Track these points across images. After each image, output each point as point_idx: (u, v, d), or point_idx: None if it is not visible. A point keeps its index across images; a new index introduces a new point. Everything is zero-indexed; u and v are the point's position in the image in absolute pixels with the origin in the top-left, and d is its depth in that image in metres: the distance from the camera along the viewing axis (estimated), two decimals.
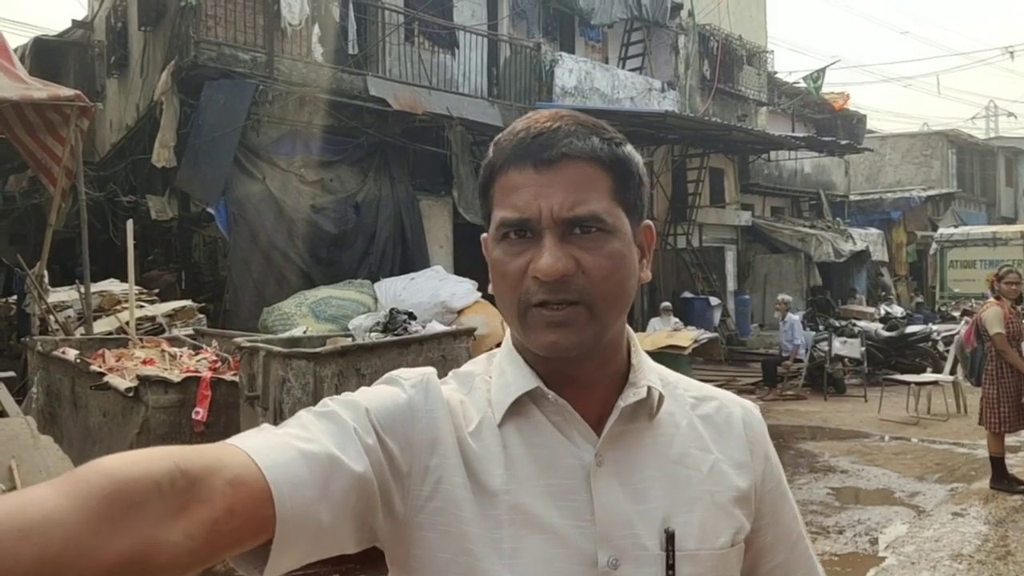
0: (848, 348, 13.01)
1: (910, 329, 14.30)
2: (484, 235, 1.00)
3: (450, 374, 1.02)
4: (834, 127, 22.53)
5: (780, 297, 13.73)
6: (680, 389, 1.02)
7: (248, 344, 5.25)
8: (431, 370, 0.98)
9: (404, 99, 11.21)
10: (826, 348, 12.79)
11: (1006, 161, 33.01)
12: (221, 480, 0.74)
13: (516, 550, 0.89)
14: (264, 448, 0.79)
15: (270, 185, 10.27)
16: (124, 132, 12.39)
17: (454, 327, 6.55)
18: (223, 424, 5.30)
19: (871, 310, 17.87)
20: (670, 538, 0.91)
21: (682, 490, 0.95)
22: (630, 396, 0.95)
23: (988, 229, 21.42)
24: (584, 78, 14.58)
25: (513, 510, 0.90)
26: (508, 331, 1.01)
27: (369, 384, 0.97)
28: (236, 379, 5.26)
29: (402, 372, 0.96)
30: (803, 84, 21.65)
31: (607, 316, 0.92)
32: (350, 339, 6.38)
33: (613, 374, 0.97)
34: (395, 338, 5.90)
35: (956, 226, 23.14)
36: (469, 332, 6.22)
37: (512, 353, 0.98)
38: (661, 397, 0.97)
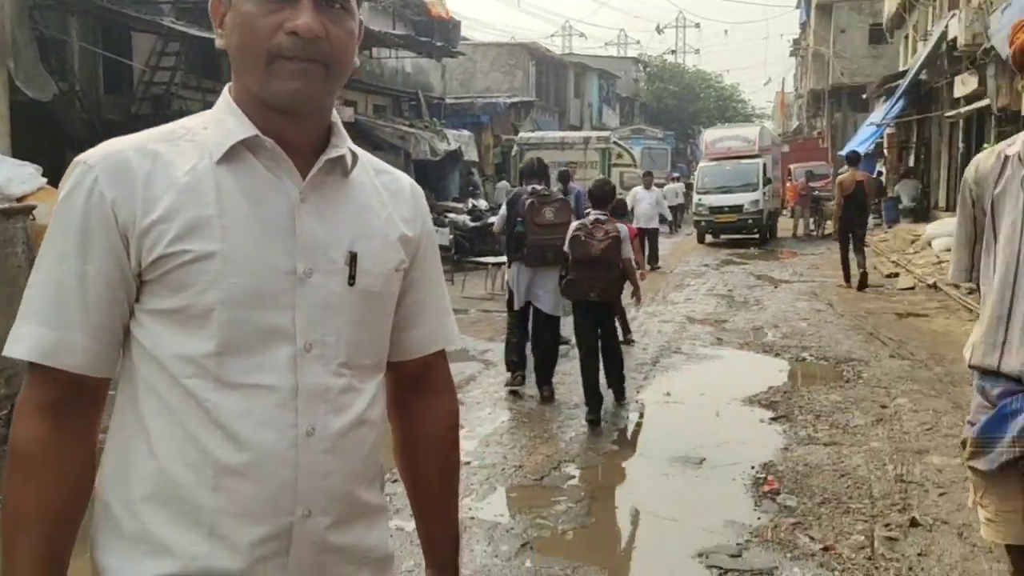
0: (439, 237, 14.06)
1: (492, 219, 15.86)
2: None
3: (148, 133, 1.17)
4: (431, 30, 23.44)
5: None
6: (366, 159, 1.29)
7: None
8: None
9: None
10: None
11: (575, 75, 37.43)
12: None
13: (226, 260, 1.10)
14: None
15: None
16: None
17: (7, 205, 5.75)
18: None
19: (461, 204, 19.38)
20: (353, 257, 1.20)
21: (365, 228, 1.23)
22: (332, 152, 1.20)
23: (558, 135, 24.22)
24: None
25: (224, 230, 1.11)
26: (225, 89, 1.20)
27: None
28: None
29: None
30: None
31: (337, 80, 1.17)
32: None
33: (318, 138, 1.21)
34: None
35: (533, 131, 25.83)
36: (26, 210, 5.59)
37: (232, 106, 1.17)
38: (355, 159, 1.25)
